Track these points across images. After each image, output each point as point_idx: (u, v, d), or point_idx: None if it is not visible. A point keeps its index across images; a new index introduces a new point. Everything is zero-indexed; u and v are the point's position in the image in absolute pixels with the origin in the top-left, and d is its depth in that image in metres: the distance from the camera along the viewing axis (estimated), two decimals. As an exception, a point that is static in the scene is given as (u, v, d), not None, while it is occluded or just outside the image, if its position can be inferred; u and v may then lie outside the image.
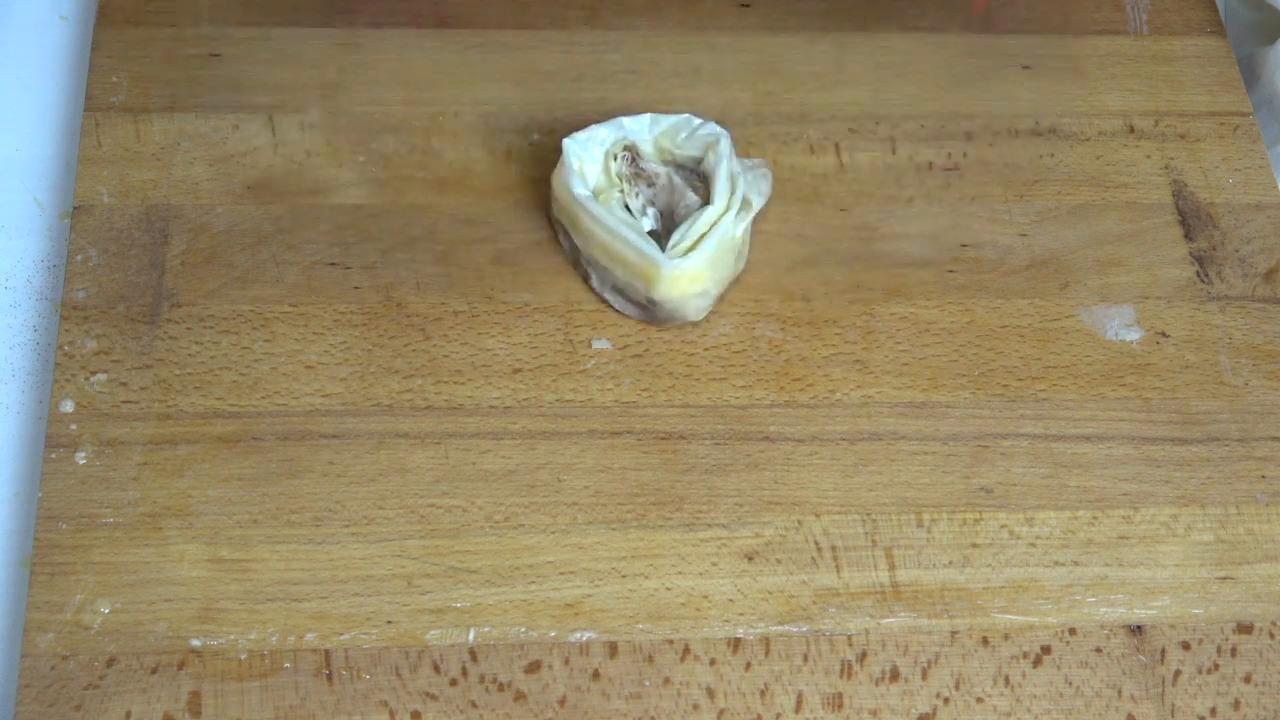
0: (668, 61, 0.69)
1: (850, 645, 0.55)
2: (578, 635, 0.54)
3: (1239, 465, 0.60)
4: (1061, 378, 0.62)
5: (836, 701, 0.54)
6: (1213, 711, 0.55)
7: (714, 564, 0.56)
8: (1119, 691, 0.55)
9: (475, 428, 0.58)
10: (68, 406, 0.58)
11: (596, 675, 0.54)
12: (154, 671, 0.53)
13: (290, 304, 0.61)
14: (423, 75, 0.67)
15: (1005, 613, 0.56)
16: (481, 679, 0.53)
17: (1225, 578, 0.58)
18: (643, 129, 0.61)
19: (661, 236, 0.61)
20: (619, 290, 0.60)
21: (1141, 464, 0.60)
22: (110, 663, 0.53)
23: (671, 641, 0.55)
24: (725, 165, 0.59)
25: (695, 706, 0.53)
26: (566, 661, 0.54)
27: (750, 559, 0.56)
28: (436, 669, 0.54)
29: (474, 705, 0.53)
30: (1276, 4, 0.74)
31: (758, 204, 0.60)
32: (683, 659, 0.54)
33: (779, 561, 0.56)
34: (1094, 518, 0.59)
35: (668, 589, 0.55)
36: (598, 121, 0.61)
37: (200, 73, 0.66)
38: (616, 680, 0.54)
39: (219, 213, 0.63)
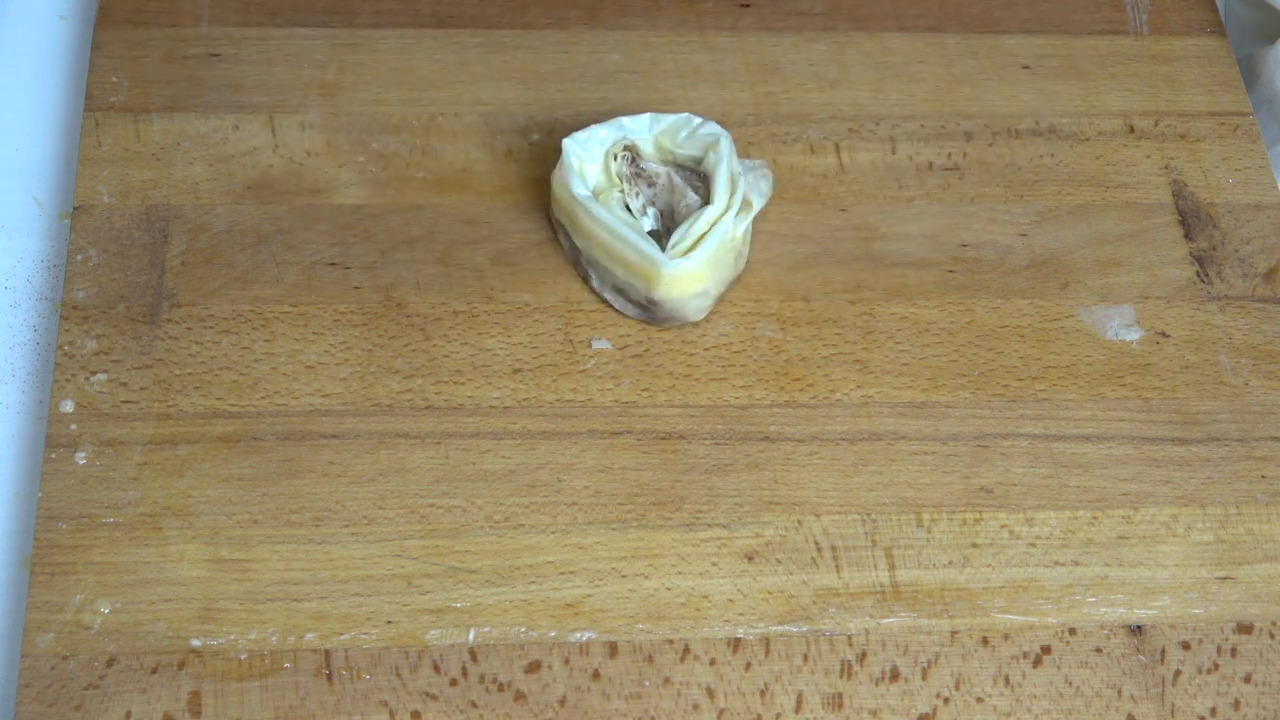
0: (668, 61, 0.69)
1: (850, 645, 0.55)
2: (578, 635, 0.54)
3: (1239, 465, 0.60)
4: (1061, 378, 0.62)
5: (836, 701, 0.54)
6: (1213, 711, 0.55)
7: (714, 564, 0.56)
8: (1119, 691, 0.55)
9: (475, 428, 0.58)
10: (68, 406, 0.58)
11: (596, 675, 0.54)
12: (154, 671, 0.53)
13: (290, 304, 0.61)
14: (423, 75, 0.67)
15: (1005, 613, 0.56)
16: (481, 679, 0.53)
17: (1225, 578, 0.58)
18: (643, 129, 0.61)
19: (662, 236, 0.61)
20: (619, 290, 0.60)
21: (1141, 464, 0.60)
22: (110, 663, 0.53)
23: (671, 641, 0.55)
24: (725, 165, 0.59)
25: (695, 706, 0.53)
26: (566, 661, 0.54)
27: (750, 559, 0.56)
28: (436, 669, 0.53)
29: (474, 705, 0.53)
30: (1276, 4, 0.74)
31: (758, 204, 0.60)
32: (683, 659, 0.54)
33: (779, 561, 0.56)
34: (1094, 518, 0.59)
35: (668, 589, 0.55)
36: (598, 121, 0.61)
37: (200, 73, 0.66)
38: (616, 680, 0.54)
39: (219, 213, 0.63)
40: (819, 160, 0.67)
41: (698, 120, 0.61)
